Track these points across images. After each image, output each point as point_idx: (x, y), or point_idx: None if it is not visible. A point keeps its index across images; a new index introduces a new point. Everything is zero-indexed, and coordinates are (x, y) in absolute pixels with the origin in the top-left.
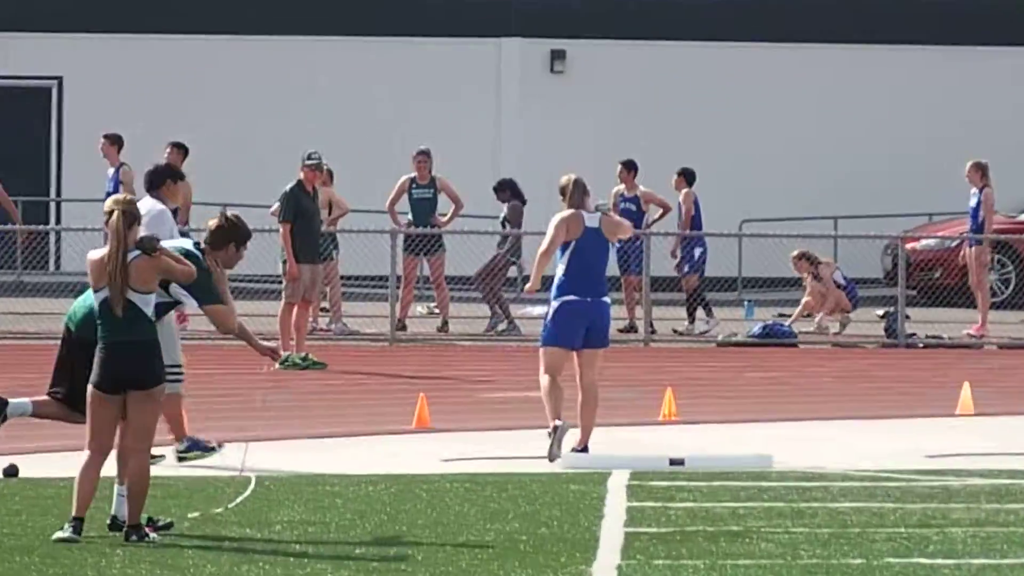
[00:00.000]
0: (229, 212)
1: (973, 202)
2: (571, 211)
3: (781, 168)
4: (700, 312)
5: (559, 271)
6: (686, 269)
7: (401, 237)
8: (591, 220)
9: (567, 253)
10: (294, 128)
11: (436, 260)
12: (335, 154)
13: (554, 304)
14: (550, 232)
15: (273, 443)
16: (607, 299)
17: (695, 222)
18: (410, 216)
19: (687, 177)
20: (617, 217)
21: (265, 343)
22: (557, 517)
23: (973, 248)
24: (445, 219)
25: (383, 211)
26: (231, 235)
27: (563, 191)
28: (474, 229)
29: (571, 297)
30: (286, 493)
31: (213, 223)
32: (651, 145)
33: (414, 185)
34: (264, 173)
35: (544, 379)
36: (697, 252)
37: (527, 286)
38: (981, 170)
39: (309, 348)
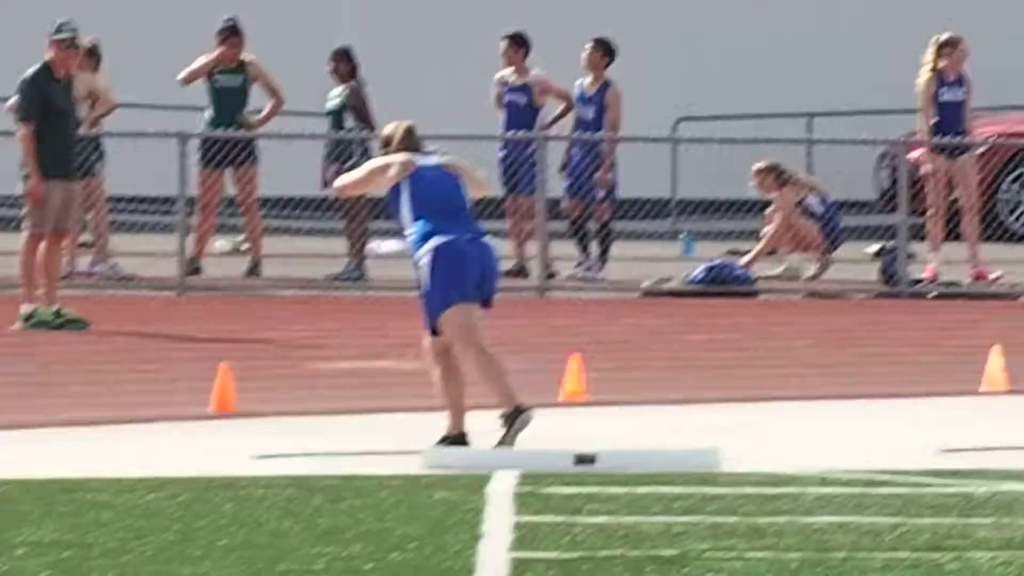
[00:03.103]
0: None
1: (950, 95)
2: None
3: (734, 45)
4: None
5: (406, 221)
6: (601, 194)
7: (196, 143)
8: (427, 159)
9: (404, 194)
10: None
11: (246, 175)
12: (104, 26)
13: (426, 253)
14: (364, 167)
15: (9, 433)
16: (489, 240)
17: (595, 121)
18: (207, 114)
19: (607, 51)
20: (465, 163)
21: None
22: (416, 538)
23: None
24: (260, 118)
25: (167, 106)
26: None
27: (387, 141)
28: (300, 132)
29: (444, 237)
30: (31, 504)
31: None
32: (551, 9)
33: (216, 70)
34: None
35: (470, 353)
36: (611, 174)
37: None
38: (951, 46)
39: (64, 299)
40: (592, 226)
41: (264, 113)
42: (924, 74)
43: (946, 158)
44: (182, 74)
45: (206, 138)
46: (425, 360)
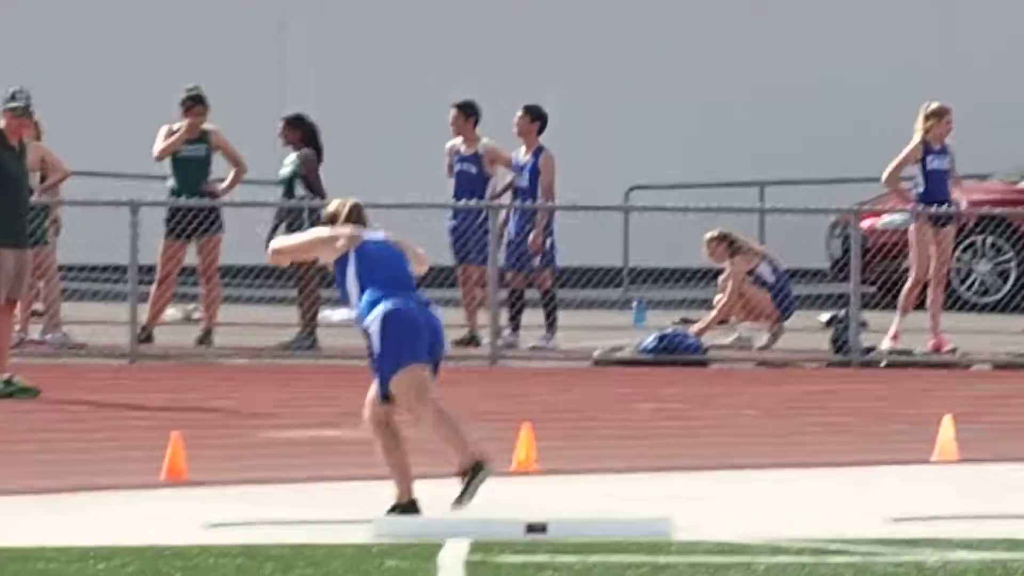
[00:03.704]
0: None
1: (937, 163)
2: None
3: (685, 113)
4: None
5: (352, 293)
6: (537, 261)
7: (148, 212)
8: (373, 233)
9: (351, 268)
10: None
11: (210, 243)
12: (48, 97)
13: (375, 319)
14: (307, 234)
15: None
16: (436, 309)
17: (531, 189)
18: (169, 183)
19: (536, 116)
20: (408, 240)
21: None
22: None
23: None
24: (223, 187)
25: (119, 174)
26: None
27: (332, 218)
28: (255, 200)
29: (392, 304)
30: None
31: None
32: (500, 77)
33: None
34: None
35: (425, 411)
36: (548, 241)
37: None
38: (937, 116)
39: (15, 368)
40: (526, 295)
41: (227, 182)
42: (914, 141)
43: (933, 226)
44: (156, 151)
45: (172, 208)
46: (365, 431)
